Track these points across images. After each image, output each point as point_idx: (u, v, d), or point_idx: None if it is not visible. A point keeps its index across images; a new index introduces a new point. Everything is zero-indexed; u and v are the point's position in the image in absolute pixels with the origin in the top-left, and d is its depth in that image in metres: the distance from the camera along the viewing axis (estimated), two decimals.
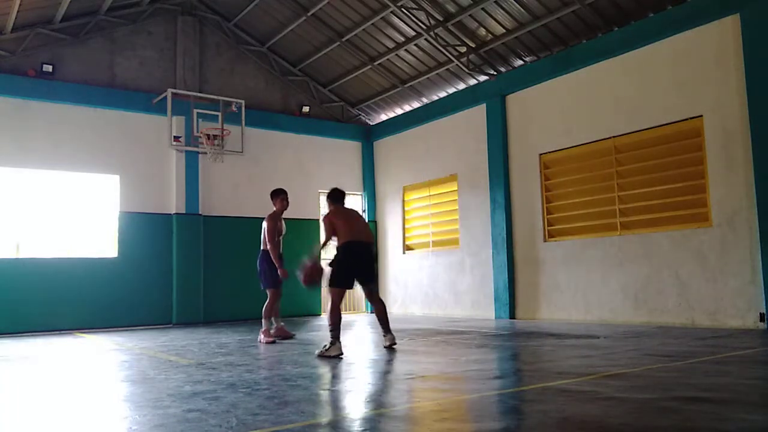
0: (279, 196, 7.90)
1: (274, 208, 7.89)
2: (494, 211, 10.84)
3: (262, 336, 7.49)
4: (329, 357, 5.75)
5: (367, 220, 13.69)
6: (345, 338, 7.95)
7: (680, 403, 3.42)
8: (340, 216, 6.29)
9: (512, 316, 10.43)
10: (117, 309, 10.72)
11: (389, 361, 5.72)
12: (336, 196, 6.49)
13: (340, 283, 6.10)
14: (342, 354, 5.82)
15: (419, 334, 8.05)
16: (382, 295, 13.49)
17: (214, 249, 11.80)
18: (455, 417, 3.37)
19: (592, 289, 9.26)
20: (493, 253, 10.85)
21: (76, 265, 10.53)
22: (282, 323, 8.02)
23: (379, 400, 3.84)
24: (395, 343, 6.42)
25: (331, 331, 5.86)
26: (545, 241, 10.06)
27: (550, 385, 4.01)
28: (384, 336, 6.42)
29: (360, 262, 6.20)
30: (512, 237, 10.61)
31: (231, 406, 3.54)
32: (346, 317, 9.72)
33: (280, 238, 7.99)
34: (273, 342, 7.37)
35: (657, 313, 8.41)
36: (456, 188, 11.89)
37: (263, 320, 7.66)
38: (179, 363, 5.66)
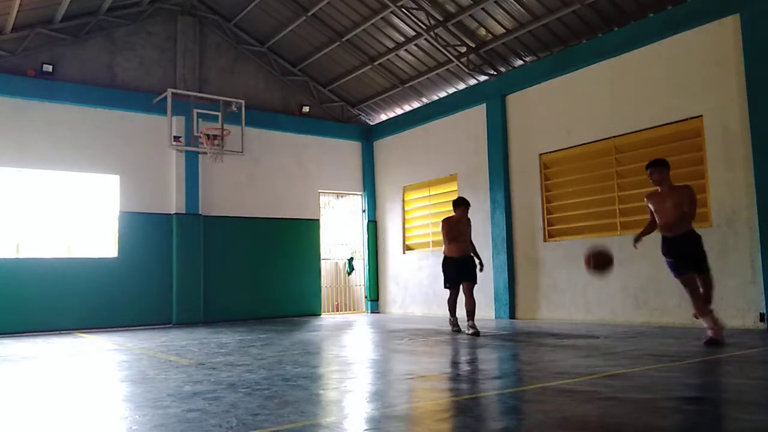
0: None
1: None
2: (494, 211, 10.84)
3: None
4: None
5: (367, 220, 13.86)
6: (346, 338, 7.99)
7: (680, 403, 3.42)
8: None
9: (512, 316, 10.43)
10: (117, 309, 10.72)
11: (389, 361, 5.73)
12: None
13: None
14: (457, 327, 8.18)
15: (419, 334, 8.05)
16: (382, 295, 13.67)
17: (214, 249, 11.79)
18: (455, 417, 3.37)
19: (592, 289, 9.26)
20: (493, 253, 10.85)
21: (76, 265, 10.53)
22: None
23: (379, 400, 3.83)
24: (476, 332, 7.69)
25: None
26: (545, 241, 10.05)
27: (550, 385, 4.01)
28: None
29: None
30: (512, 237, 10.61)
31: (231, 406, 3.54)
32: (346, 317, 9.76)
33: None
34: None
35: (657, 313, 8.41)
36: (456, 188, 11.88)
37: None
38: (179, 363, 5.66)
